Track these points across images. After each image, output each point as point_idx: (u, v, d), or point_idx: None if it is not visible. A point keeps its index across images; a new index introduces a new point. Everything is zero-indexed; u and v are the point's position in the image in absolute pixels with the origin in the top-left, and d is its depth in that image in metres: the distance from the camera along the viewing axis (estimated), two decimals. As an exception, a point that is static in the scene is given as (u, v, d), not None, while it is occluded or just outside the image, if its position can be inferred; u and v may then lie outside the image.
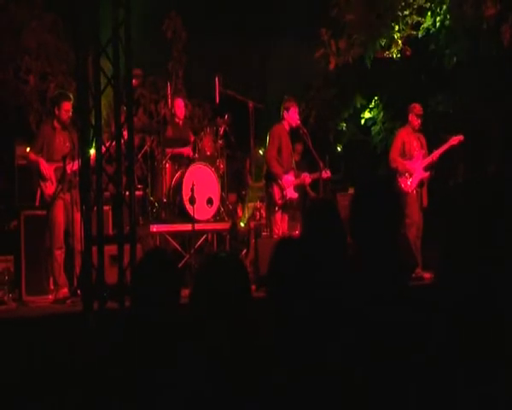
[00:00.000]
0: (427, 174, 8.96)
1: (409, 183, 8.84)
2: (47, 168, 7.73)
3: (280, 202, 8.59)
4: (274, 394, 2.47)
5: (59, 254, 7.72)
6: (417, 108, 9.06)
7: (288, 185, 8.62)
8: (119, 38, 6.50)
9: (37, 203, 7.91)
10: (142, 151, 9.68)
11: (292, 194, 8.67)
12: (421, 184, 8.93)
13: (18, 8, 10.67)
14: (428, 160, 8.95)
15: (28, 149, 8.46)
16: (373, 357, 2.51)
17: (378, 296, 2.62)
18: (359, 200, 2.93)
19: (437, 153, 8.99)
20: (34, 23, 10.86)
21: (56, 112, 7.88)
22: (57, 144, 7.84)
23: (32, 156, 7.83)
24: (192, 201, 8.80)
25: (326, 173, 8.63)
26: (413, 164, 8.90)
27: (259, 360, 2.55)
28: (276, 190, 8.60)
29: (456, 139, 8.96)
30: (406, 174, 8.86)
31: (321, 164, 8.62)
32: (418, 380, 2.33)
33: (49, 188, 7.73)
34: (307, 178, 8.77)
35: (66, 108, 7.80)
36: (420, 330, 2.46)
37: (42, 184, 7.76)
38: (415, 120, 9.02)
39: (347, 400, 2.47)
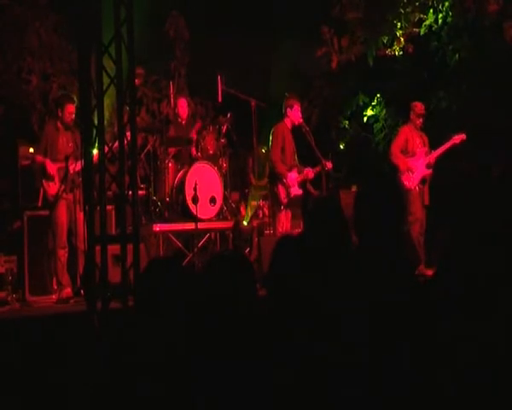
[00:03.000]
0: (429, 172, 8.97)
1: (411, 180, 8.84)
2: (53, 168, 7.76)
3: (285, 200, 8.58)
4: (274, 392, 2.47)
5: (62, 254, 7.74)
6: (418, 106, 9.06)
7: (293, 183, 8.60)
8: (122, 38, 6.49)
9: (39, 203, 7.92)
10: (145, 151, 9.67)
11: (296, 191, 8.65)
12: (423, 181, 8.93)
13: (21, 8, 10.67)
14: (430, 157, 8.96)
15: (32, 150, 8.50)
16: (377, 354, 2.51)
17: (382, 293, 2.62)
18: (363, 198, 2.93)
19: (439, 151, 8.99)
20: (37, 23, 10.86)
21: (59, 113, 7.91)
22: (60, 145, 7.87)
23: (39, 158, 7.87)
24: (195, 200, 8.80)
25: (328, 166, 8.60)
26: (415, 161, 8.91)
27: (261, 357, 2.55)
28: (280, 189, 8.58)
29: (458, 138, 8.95)
30: (408, 172, 8.86)
31: (322, 159, 8.59)
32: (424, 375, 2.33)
33: (52, 188, 7.74)
34: (310, 172, 8.73)
35: (70, 111, 7.83)
36: (423, 325, 2.46)
37: (45, 184, 7.78)
38: (416, 119, 9.03)
39: (347, 399, 2.47)
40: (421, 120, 9.03)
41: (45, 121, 10.01)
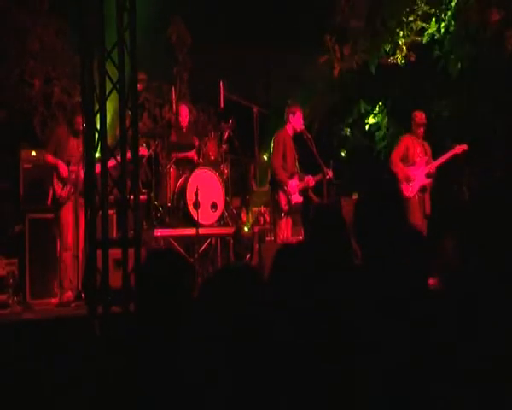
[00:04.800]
0: (428, 181, 8.98)
1: (410, 188, 8.85)
2: (65, 169, 7.85)
3: (286, 208, 8.59)
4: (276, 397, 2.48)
5: (66, 256, 7.79)
6: (418, 116, 9.07)
7: (294, 191, 8.62)
8: (124, 43, 6.51)
9: (49, 202, 7.98)
10: (147, 155, 9.68)
11: (297, 199, 8.67)
12: (422, 190, 8.94)
13: (23, 11, 10.70)
14: (431, 167, 8.97)
15: (34, 153, 8.57)
16: (376, 362, 2.52)
17: (384, 300, 2.63)
18: (363, 205, 2.95)
19: (440, 161, 9.01)
20: (39, 27, 10.89)
21: (71, 120, 8.13)
22: (70, 148, 8.00)
23: (50, 159, 7.98)
24: (196, 205, 8.81)
25: (329, 174, 8.61)
26: (414, 170, 8.92)
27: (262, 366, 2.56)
28: (281, 196, 8.59)
29: (459, 148, 8.97)
30: (407, 181, 8.88)
31: (324, 166, 8.59)
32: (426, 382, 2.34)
33: (63, 189, 7.84)
34: (311, 180, 8.76)
35: (79, 121, 7.92)
36: (421, 332, 2.47)
37: (56, 185, 7.86)
38: (417, 129, 9.06)
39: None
40: (422, 129, 9.05)
41: (49, 124, 10.11)
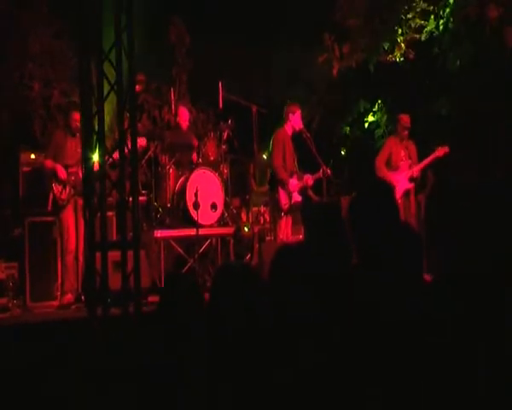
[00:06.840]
0: (411, 185, 9.01)
1: None
2: (63, 173, 7.89)
3: (286, 207, 8.58)
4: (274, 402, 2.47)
5: (67, 259, 7.80)
6: (404, 119, 9.11)
7: (294, 190, 8.60)
8: (122, 44, 6.50)
9: (49, 208, 8.00)
10: (146, 157, 9.67)
11: (297, 198, 8.65)
12: (406, 194, 8.96)
13: (23, 14, 10.69)
14: (413, 171, 8.99)
15: (33, 156, 8.60)
16: (373, 359, 2.51)
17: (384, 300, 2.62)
18: (359, 205, 2.93)
19: (422, 164, 9.03)
20: (39, 29, 10.88)
21: (66, 120, 8.28)
22: (69, 150, 8.02)
23: (49, 164, 8.02)
24: (196, 206, 8.80)
25: (327, 172, 8.58)
26: (397, 175, 8.94)
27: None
28: (282, 195, 8.57)
29: (441, 151, 8.98)
30: None
31: (322, 165, 8.57)
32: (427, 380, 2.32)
33: (62, 192, 7.86)
34: (309, 179, 8.73)
35: (75, 118, 7.98)
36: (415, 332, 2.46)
37: (55, 188, 7.88)
38: (402, 131, 9.10)
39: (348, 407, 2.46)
40: (406, 132, 9.09)
41: (47, 128, 10.13)
